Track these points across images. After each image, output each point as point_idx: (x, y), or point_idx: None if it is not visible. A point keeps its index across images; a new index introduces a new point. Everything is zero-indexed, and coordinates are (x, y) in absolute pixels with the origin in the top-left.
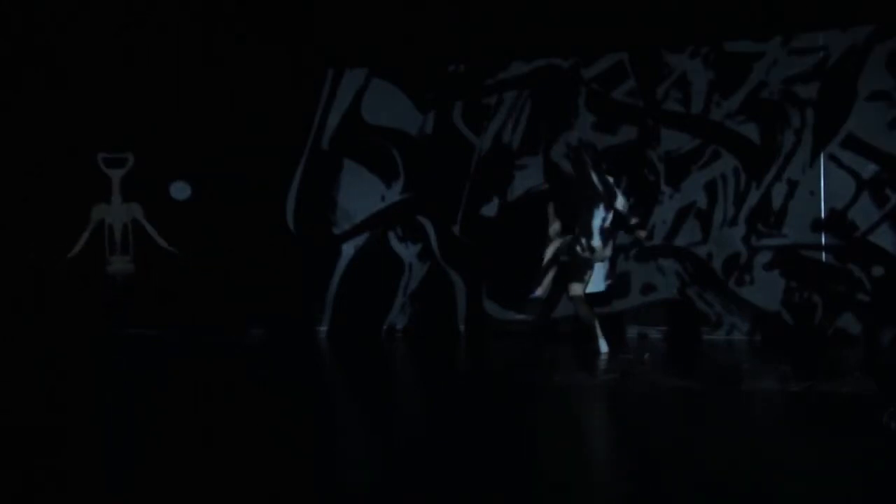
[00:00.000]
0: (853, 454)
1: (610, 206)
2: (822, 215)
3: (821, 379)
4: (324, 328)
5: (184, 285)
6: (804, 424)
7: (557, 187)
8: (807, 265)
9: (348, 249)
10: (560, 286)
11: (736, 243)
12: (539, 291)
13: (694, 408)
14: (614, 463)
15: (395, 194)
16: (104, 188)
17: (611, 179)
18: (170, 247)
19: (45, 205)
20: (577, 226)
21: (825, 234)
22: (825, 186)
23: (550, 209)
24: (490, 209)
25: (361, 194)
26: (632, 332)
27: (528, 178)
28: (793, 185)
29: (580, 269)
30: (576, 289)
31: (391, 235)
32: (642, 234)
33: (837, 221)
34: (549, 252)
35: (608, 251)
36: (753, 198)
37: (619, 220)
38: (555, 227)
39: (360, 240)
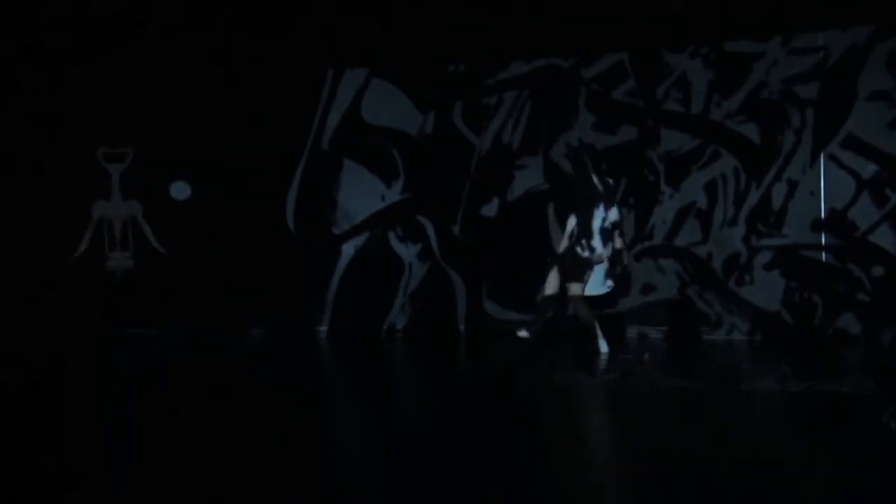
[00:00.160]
0: (853, 454)
1: (610, 206)
2: (822, 215)
3: (821, 379)
4: (324, 328)
5: (184, 285)
6: (804, 424)
7: (557, 187)
8: (807, 265)
9: (348, 249)
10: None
11: (736, 243)
12: (550, 290)
13: (694, 408)
14: (614, 463)
15: (395, 194)
16: (104, 187)
17: (610, 181)
18: (160, 247)
19: (44, 204)
20: (576, 226)
21: (825, 234)
22: (825, 186)
23: (550, 209)
24: (490, 209)
25: (361, 194)
26: (632, 332)
27: (528, 178)
28: (793, 185)
29: (580, 269)
30: (575, 289)
31: (391, 235)
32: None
33: (837, 221)
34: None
35: (608, 251)
36: (753, 198)
37: (609, 232)
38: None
39: (360, 240)
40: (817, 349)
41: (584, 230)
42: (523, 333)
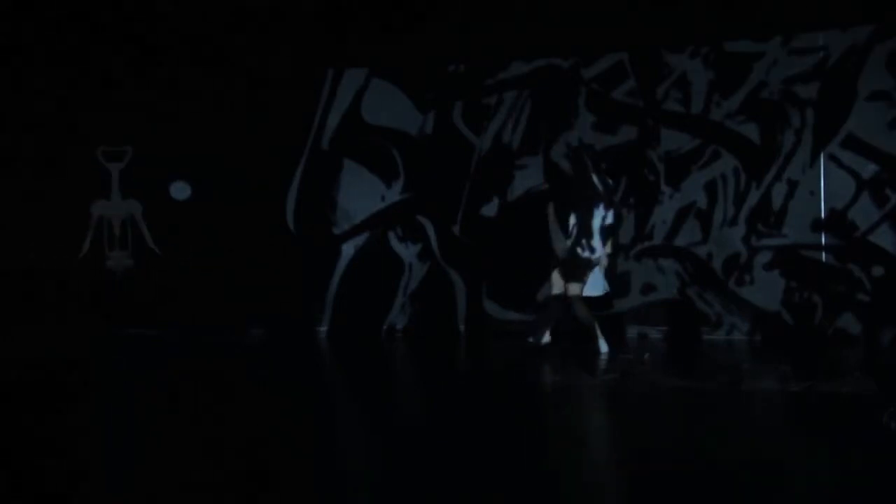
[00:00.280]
0: (853, 454)
1: (610, 206)
2: (822, 215)
3: (821, 379)
4: (324, 328)
5: (184, 285)
6: (804, 424)
7: (557, 187)
8: (807, 265)
9: (348, 249)
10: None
11: (736, 243)
12: (556, 290)
13: (694, 408)
14: (614, 463)
15: (395, 194)
16: (104, 186)
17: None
18: (155, 248)
19: (44, 204)
20: (576, 226)
21: (825, 234)
22: (825, 186)
23: (550, 209)
24: (490, 209)
25: (361, 194)
26: (632, 332)
27: (528, 178)
28: (793, 185)
29: (580, 269)
30: (575, 289)
31: (391, 235)
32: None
33: (837, 221)
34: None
35: (608, 251)
36: (753, 198)
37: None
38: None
39: (360, 240)
40: (817, 349)
41: (584, 230)
42: (535, 340)
